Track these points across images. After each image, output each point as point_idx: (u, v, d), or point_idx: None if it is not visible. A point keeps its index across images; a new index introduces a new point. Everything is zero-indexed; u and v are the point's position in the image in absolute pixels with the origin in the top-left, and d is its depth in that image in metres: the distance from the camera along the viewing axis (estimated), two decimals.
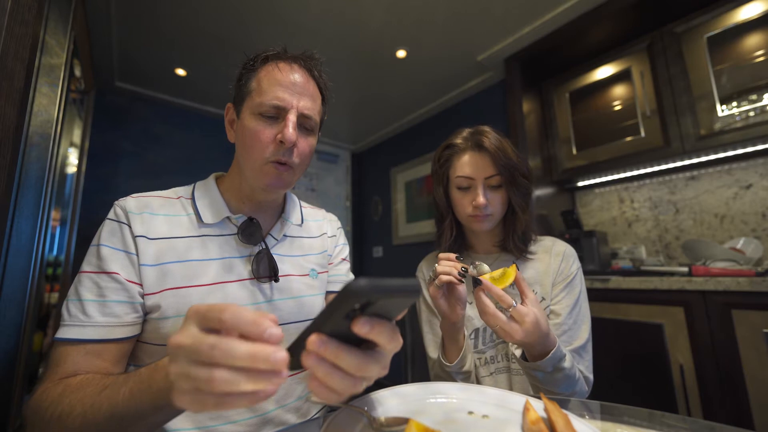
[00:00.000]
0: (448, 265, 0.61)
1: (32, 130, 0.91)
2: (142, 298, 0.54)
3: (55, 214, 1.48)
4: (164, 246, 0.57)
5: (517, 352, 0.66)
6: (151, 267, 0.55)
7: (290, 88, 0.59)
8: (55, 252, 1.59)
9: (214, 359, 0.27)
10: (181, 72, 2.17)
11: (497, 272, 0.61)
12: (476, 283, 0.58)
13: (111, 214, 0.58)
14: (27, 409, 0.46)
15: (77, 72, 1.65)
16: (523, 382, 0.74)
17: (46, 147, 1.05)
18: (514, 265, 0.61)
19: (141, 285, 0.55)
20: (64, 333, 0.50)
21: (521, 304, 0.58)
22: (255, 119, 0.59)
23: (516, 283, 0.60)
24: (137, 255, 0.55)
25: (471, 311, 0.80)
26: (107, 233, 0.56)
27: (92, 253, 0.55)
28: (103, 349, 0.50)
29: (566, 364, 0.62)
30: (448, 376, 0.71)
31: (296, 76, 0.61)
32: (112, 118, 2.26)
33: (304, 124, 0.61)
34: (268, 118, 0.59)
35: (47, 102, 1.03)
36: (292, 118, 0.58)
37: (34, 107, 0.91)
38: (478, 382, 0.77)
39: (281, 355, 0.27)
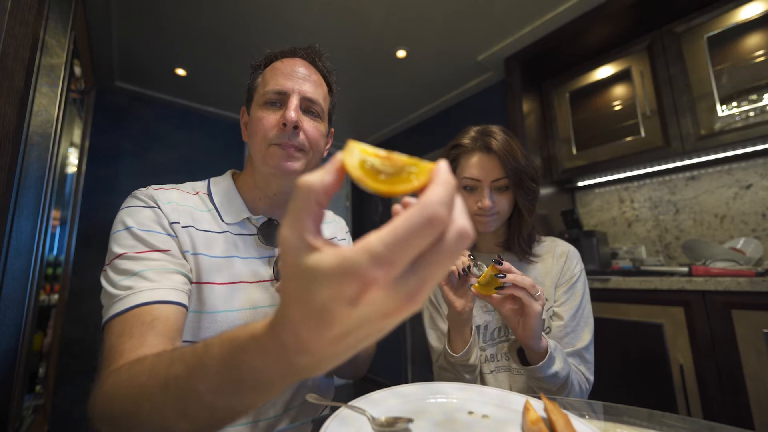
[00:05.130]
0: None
1: (32, 130, 0.91)
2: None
3: (55, 214, 1.48)
4: (194, 236, 0.57)
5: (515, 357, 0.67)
6: (190, 255, 0.55)
7: (292, 75, 0.61)
8: (55, 252, 1.59)
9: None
10: (181, 72, 2.17)
11: (483, 278, 0.60)
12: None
13: (136, 202, 0.55)
14: (96, 405, 0.37)
15: (77, 72, 1.65)
16: (524, 381, 0.73)
17: (46, 147, 1.05)
18: (492, 265, 0.60)
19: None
20: (124, 304, 0.44)
21: None
22: (260, 109, 0.61)
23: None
24: (178, 239, 0.54)
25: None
26: (139, 216, 0.53)
27: (125, 237, 0.51)
28: (166, 317, 0.45)
29: (558, 347, 0.64)
30: (452, 368, 0.71)
31: (298, 65, 0.63)
32: (112, 118, 2.26)
33: (309, 108, 0.62)
34: (272, 104, 0.60)
35: (47, 102, 1.03)
36: (294, 100, 0.59)
37: (34, 107, 0.91)
38: (481, 378, 0.77)
39: None
